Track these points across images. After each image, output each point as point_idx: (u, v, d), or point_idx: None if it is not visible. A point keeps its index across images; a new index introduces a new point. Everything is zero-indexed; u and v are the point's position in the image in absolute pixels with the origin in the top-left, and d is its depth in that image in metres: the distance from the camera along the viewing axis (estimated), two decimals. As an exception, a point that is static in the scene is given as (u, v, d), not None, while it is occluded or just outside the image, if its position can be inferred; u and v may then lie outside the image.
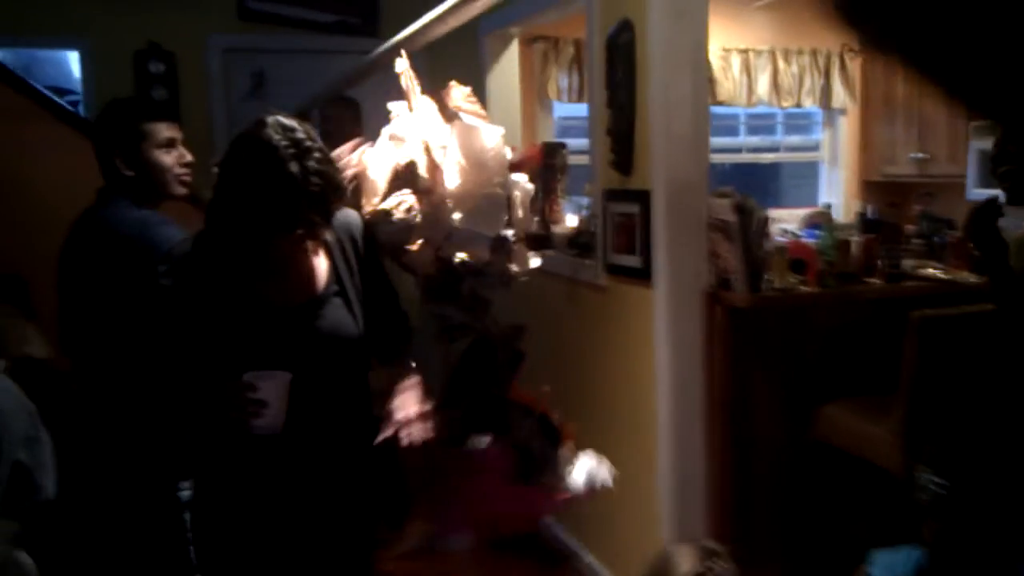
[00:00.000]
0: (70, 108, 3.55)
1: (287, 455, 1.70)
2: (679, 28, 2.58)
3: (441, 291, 1.94)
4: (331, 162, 1.63)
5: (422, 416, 1.74)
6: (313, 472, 1.74)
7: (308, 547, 1.76)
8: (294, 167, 1.53)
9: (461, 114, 1.93)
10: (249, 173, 1.56)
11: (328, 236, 1.69)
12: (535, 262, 2.08)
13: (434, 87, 4.71)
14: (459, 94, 1.96)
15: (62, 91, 4.65)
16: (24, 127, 3.36)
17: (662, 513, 2.74)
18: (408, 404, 1.76)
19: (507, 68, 4.07)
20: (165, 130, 2.28)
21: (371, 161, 1.94)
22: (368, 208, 1.98)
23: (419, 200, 1.91)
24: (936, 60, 0.64)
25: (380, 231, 1.89)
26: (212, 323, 1.63)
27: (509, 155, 2.04)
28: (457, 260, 1.93)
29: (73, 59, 4.68)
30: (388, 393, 1.82)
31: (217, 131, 4.53)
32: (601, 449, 3.17)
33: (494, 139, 1.95)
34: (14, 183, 3.27)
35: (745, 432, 2.74)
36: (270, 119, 1.58)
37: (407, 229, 1.89)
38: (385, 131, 1.98)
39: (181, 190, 2.31)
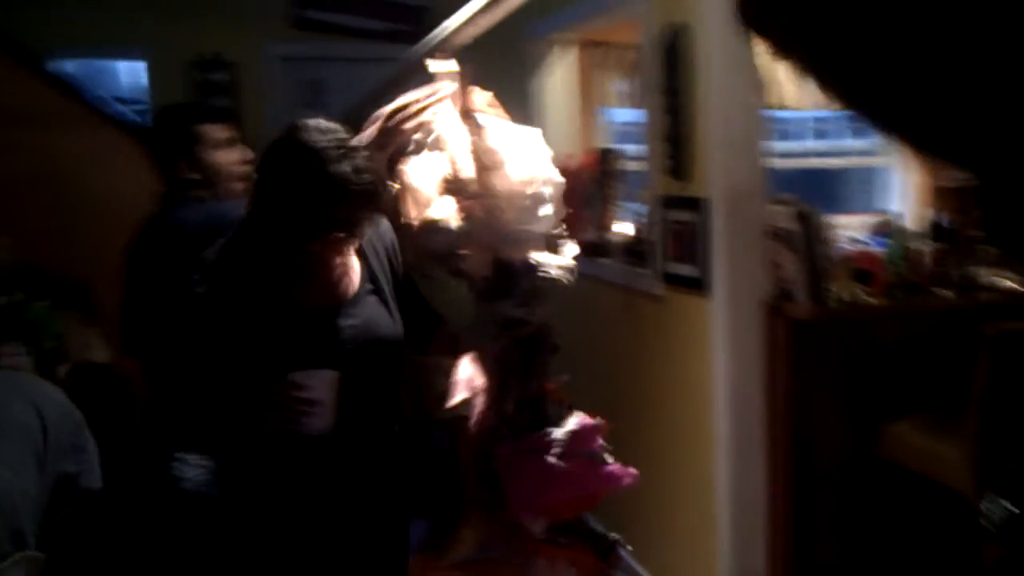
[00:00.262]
0: (130, 116, 3.61)
1: (326, 455, 1.69)
2: (735, 33, 2.50)
3: (498, 290, 1.94)
4: (372, 163, 1.61)
5: (486, 389, 1.74)
6: (351, 472, 1.73)
7: (342, 547, 1.74)
8: (336, 168, 1.53)
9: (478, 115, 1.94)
10: (291, 176, 1.55)
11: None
12: (573, 250, 2.08)
13: (493, 90, 4.68)
14: (481, 99, 1.95)
15: (129, 101, 4.76)
16: (87, 136, 3.42)
17: (720, 532, 2.65)
18: (475, 374, 1.76)
19: (562, 74, 4.02)
20: (219, 131, 2.30)
21: (414, 170, 1.94)
22: (415, 215, 1.98)
23: (471, 205, 1.90)
24: (841, 75, 0.65)
25: (432, 240, 1.88)
26: (247, 328, 1.62)
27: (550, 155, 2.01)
28: (517, 259, 1.95)
29: (140, 69, 4.77)
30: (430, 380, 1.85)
31: (274, 139, 4.55)
32: (656, 463, 3.10)
33: (535, 140, 1.94)
34: (77, 192, 3.34)
35: (807, 450, 2.64)
36: (309, 122, 1.58)
37: (463, 235, 1.89)
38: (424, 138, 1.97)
39: (242, 188, 2.32)
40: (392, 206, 1.84)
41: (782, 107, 4.78)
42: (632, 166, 3.60)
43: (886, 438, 2.67)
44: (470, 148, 1.90)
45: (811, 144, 5.59)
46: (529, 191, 1.94)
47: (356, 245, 1.72)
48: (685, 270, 2.76)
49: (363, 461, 1.75)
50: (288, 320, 1.65)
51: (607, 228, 3.45)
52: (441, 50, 2.06)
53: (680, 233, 2.77)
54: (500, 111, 1.99)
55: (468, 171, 1.89)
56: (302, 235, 1.59)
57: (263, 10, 4.59)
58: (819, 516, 2.70)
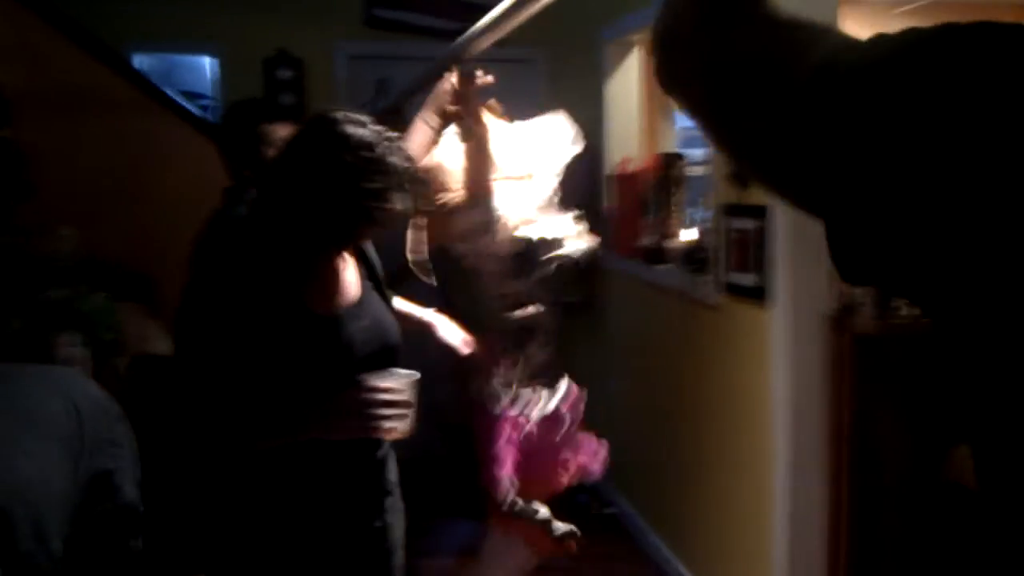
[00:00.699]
0: (198, 112, 3.66)
1: (356, 459, 1.67)
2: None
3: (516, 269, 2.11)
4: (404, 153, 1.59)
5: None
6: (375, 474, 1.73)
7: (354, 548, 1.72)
8: (396, 161, 1.53)
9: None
10: (348, 171, 1.51)
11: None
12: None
13: (555, 93, 4.65)
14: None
15: (196, 95, 4.83)
16: (158, 130, 3.48)
17: (776, 552, 2.56)
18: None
19: (626, 77, 3.95)
20: (283, 131, 2.30)
21: (444, 155, 2.01)
22: (443, 199, 2.12)
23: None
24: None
25: (469, 217, 2.00)
26: (259, 336, 1.55)
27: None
28: (539, 238, 2.11)
29: (208, 65, 4.85)
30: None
31: (340, 137, 4.59)
32: (711, 478, 3.02)
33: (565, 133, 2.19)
34: (145, 185, 3.39)
35: (870, 471, 2.53)
36: (338, 114, 1.55)
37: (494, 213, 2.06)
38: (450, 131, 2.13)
39: None
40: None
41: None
42: (697, 171, 3.52)
43: (954, 460, 2.54)
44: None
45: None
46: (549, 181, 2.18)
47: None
48: (746, 279, 2.67)
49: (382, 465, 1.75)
50: (299, 327, 1.58)
51: (669, 234, 3.37)
52: (469, 52, 2.12)
53: (742, 241, 2.69)
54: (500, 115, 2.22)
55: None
56: (343, 225, 1.56)
57: (334, 8, 4.62)
58: (882, 540, 2.58)
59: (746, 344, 2.72)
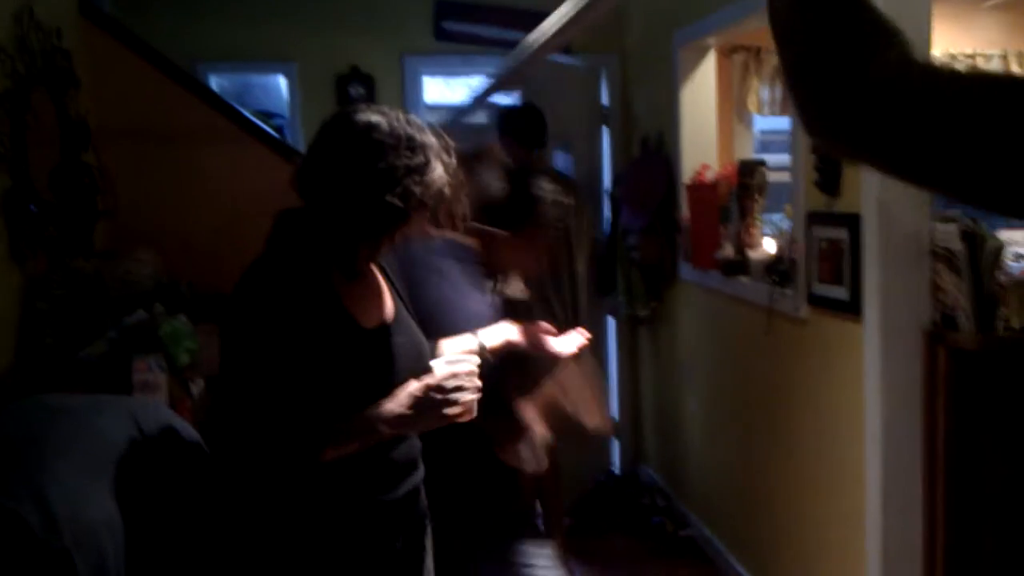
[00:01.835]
0: (272, 132, 3.68)
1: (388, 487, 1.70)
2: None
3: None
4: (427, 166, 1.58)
5: None
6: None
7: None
8: (444, 158, 1.57)
9: None
10: (401, 160, 1.53)
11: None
12: None
13: (627, 99, 4.55)
14: None
15: (270, 114, 4.89)
16: (233, 151, 3.50)
17: (868, 578, 2.44)
18: None
19: (702, 81, 3.84)
20: None
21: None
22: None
23: None
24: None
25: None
26: (307, 352, 1.53)
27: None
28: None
29: (281, 83, 4.91)
30: None
31: (411, 151, 4.60)
32: (796, 502, 2.90)
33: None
34: (221, 206, 3.42)
35: (971, 497, 2.38)
36: (353, 107, 1.60)
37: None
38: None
39: None
40: None
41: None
42: (777, 178, 3.39)
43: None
44: None
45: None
46: None
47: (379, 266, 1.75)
48: (834, 292, 2.55)
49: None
50: (348, 340, 1.59)
51: (748, 245, 3.26)
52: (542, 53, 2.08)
53: (829, 252, 2.57)
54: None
55: None
56: (388, 209, 1.54)
57: (404, 23, 4.63)
58: (982, 569, 2.43)
59: (834, 360, 2.60)
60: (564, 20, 2.31)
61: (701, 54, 3.85)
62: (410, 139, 1.53)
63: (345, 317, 1.59)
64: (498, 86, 3.29)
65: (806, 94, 0.85)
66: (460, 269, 2.12)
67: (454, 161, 1.61)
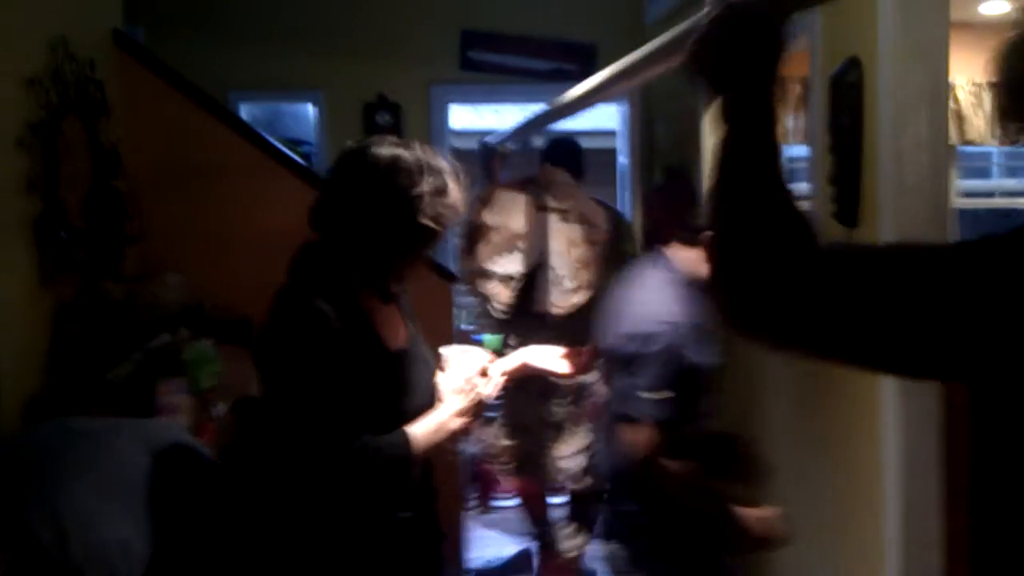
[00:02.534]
0: (298, 160, 3.75)
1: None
2: (914, 65, 2.30)
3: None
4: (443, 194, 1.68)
5: None
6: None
7: None
8: (460, 182, 1.70)
9: None
10: (413, 184, 1.64)
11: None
12: None
13: (651, 127, 4.58)
14: None
15: (299, 142, 4.98)
16: (258, 178, 3.57)
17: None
18: None
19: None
20: None
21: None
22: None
23: None
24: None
25: None
26: (349, 371, 1.61)
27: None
28: None
29: (310, 111, 5.00)
30: None
31: (436, 178, 4.66)
32: (816, 534, 2.87)
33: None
34: (247, 232, 3.48)
35: (995, 530, 2.34)
36: (364, 141, 1.72)
37: None
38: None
39: None
40: None
41: (965, 143, 4.43)
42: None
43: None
44: None
45: (998, 182, 5.12)
46: None
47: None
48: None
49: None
50: (381, 364, 1.68)
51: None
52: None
53: (848, 281, 2.57)
54: None
55: None
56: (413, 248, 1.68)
57: (431, 52, 4.71)
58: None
59: (852, 388, 2.59)
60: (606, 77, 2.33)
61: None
62: (429, 165, 1.65)
63: (375, 338, 1.68)
64: (548, 118, 3.39)
65: (725, 290, 0.93)
66: None
67: (464, 183, 1.73)
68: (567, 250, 3.39)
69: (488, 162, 3.91)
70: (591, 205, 3.61)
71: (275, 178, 3.55)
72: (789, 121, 4.27)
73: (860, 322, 0.85)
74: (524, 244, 3.40)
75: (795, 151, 4.41)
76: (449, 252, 4.69)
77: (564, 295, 3.35)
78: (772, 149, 0.97)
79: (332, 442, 1.56)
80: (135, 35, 3.84)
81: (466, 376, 1.76)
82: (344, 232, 1.66)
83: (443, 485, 1.99)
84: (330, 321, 1.58)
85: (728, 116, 0.99)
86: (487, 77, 4.75)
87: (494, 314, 3.45)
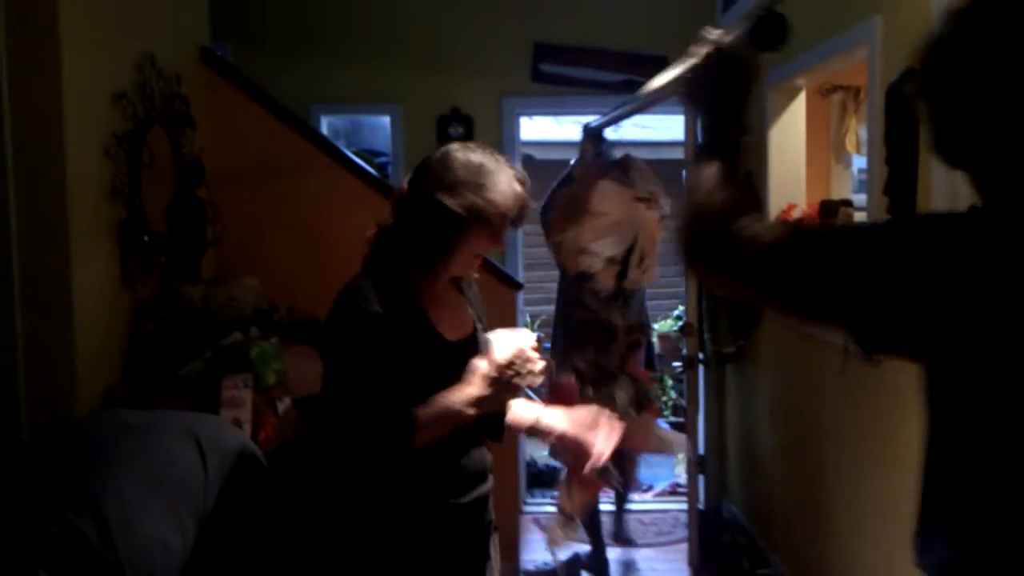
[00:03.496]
0: (371, 170, 3.88)
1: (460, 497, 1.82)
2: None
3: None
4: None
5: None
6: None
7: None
8: (517, 171, 1.77)
9: None
10: (448, 178, 1.73)
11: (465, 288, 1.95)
12: None
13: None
14: None
15: (375, 153, 5.14)
16: (331, 186, 3.72)
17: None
18: None
19: (791, 121, 3.85)
20: None
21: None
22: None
23: None
24: None
25: None
26: (394, 356, 1.69)
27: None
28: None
29: (386, 123, 5.15)
30: None
31: (506, 188, 4.76)
32: (879, 546, 2.84)
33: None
34: (323, 239, 3.63)
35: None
36: (456, 145, 1.81)
37: None
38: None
39: None
40: None
41: None
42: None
43: None
44: None
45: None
46: None
47: (462, 288, 1.93)
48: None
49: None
50: (427, 348, 1.74)
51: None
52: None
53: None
54: None
55: None
56: (439, 245, 1.74)
57: (503, 65, 4.80)
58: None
59: (908, 399, 2.55)
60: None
61: (791, 94, 3.86)
62: (480, 164, 1.74)
63: (427, 326, 1.76)
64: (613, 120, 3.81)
65: (688, 236, 1.25)
66: None
67: (522, 189, 1.79)
68: (650, 233, 3.73)
69: (585, 144, 4.06)
70: (661, 189, 3.90)
71: (347, 187, 3.69)
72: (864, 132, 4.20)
73: (775, 270, 1.15)
74: (621, 228, 3.69)
75: (858, 162, 4.35)
76: (517, 255, 4.79)
77: (642, 272, 3.76)
78: (736, 150, 1.32)
79: (372, 414, 1.66)
80: (223, 51, 4.05)
81: (501, 362, 1.75)
82: (398, 221, 1.80)
83: (501, 481, 2.03)
84: (370, 306, 1.67)
85: (708, 126, 1.35)
86: (558, 89, 4.82)
87: (602, 293, 3.66)
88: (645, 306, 4.13)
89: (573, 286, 3.79)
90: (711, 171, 1.25)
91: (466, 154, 1.75)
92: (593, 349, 3.71)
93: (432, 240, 1.74)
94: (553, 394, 2.95)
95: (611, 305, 3.71)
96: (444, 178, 1.72)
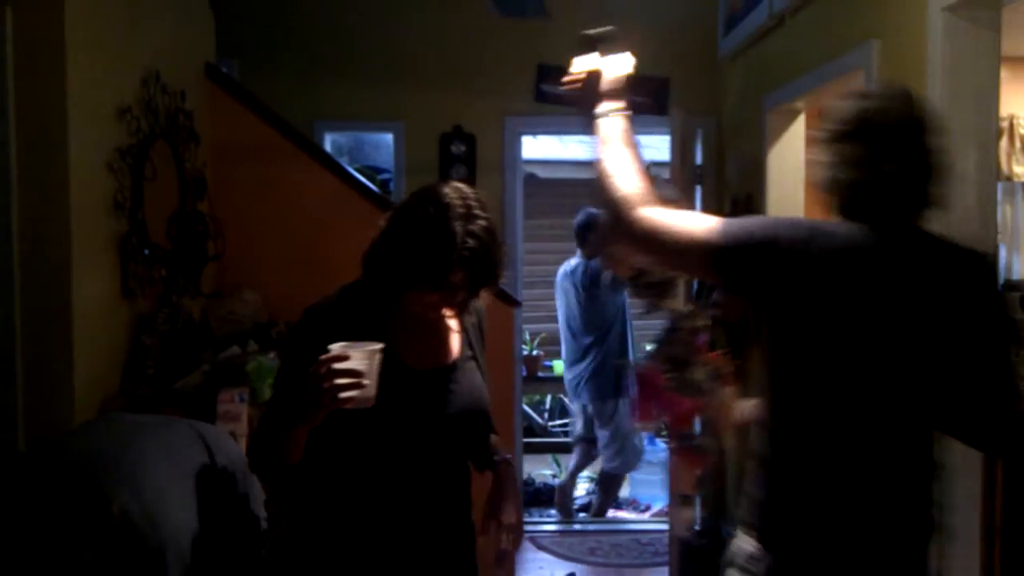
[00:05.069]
0: (373, 187, 3.92)
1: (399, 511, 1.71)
2: (964, 103, 2.32)
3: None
4: (493, 237, 1.64)
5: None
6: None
7: None
8: (457, 226, 1.58)
9: None
10: (415, 221, 1.61)
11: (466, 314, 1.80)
12: None
13: (721, 160, 4.61)
14: None
15: (378, 169, 5.18)
16: (333, 202, 3.75)
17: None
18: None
19: (790, 143, 3.87)
20: None
21: None
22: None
23: None
24: None
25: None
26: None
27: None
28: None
29: (388, 140, 5.20)
30: None
31: (507, 206, 4.79)
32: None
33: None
34: (323, 254, 3.64)
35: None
36: (450, 183, 1.67)
37: None
38: None
39: None
40: None
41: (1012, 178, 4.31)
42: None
43: None
44: None
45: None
46: None
47: (457, 314, 1.77)
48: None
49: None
50: (393, 380, 1.60)
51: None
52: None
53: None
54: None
55: None
56: (407, 280, 1.62)
57: (506, 84, 4.83)
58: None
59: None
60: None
61: (790, 117, 3.89)
62: (426, 231, 1.61)
63: (389, 352, 1.59)
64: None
65: (609, 216, 1.64)
66: None
67: (481, 232, 1.63)
68: None
69: None
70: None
71: (349, 203, 3.72)
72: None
73: (659, 237, 1.59)
74: None
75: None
76: (517, 273, 4.81)
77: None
78: (632, 146, 1.70)
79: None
80: (230, 68, 4.09)
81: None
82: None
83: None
84: (311, 326, 1.65)
85: (600, 128, 1.78)
86: (560, 109, 4.85)
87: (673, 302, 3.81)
88: (691, 295, 4.19)
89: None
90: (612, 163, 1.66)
91: (432, 191, 1.65)
92: (666, 343, 3.79)
93: (389, 274, 1.66)
94: (640, 385, 2.97)
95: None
96: (395, 215, 1.67)
